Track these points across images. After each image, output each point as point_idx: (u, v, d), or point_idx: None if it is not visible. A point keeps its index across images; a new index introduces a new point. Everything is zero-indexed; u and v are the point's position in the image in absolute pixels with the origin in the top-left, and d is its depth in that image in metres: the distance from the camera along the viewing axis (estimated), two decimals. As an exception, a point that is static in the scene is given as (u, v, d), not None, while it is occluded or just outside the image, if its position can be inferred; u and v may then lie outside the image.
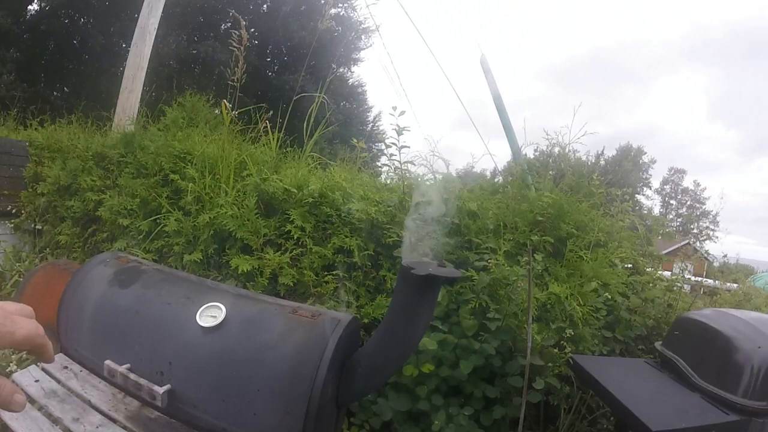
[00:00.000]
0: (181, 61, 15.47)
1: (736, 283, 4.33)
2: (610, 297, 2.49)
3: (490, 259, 2.27)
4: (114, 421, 1.48)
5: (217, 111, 4.29)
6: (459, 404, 2.10)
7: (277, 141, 3.32)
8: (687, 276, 3.37)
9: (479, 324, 2.16)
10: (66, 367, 1.69)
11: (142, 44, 5.34)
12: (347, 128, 15.28)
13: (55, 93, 14.82)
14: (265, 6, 17.35)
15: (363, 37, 18.22)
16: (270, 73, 17.13)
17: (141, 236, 2.86)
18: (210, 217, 2.58)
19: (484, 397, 2.12)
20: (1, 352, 2.43)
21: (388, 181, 3.12)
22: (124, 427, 1.45)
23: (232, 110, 3.12)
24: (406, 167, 2.68)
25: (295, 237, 2.46)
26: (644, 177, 53.30)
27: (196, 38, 15.89)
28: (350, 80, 19.15)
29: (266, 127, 3.30)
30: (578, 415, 2.33)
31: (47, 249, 3.76)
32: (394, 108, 2.41)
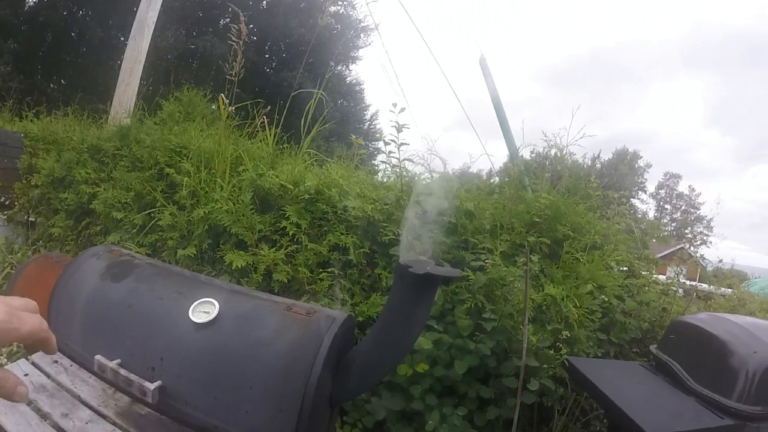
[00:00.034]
0: (179, 55, 15.42)
1: (731, 288, 4.33)
2: (606, 299, 2.49)
3: (487, 259, 2.26)
4: (104, 416, 1.45)
5: (214, 106, 4.27)
6: (453, 404, 2.09)
7: (274, 137, 3.30)
8: (682, 280, 3.37)
9: (475, 324, 2.15)
10: (56, 362, 1.67)
11: (140, 37, 5.31)
12: (344, 126, 15.24)
13: (52, 85, 14.76)
14: (264, 2, 17.30)
15: (362, 35, 18.21)
16: (268, 70, 17.10)
17: (135, 230, 2.83)
18: (205, 212, 2.56)
19: (478, 398, 2.11)
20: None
21: (385, 180, 3.11)
22: (114, 423, 1.42)
23: (229, 105, 3.10)
24: (404, 165, 2.67)
25: (291, 233, 2.44)
26: (640, 181, 53.56)
27: (194, 33, 15.86)
28: (348, 78, 19.14)
29: (263, 122, 3.28)
30: (572, 417, 2.33)
31: (40, 241, 3.73)
32: (395, 104, 2.40)
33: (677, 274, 3.32)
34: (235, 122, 3.37)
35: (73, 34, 14.60)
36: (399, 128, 2.43)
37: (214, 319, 1.41)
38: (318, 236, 2.51)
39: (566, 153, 3.39)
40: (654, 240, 3.84)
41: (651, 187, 59.27)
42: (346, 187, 2.58)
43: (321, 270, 2.39)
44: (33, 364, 1.66)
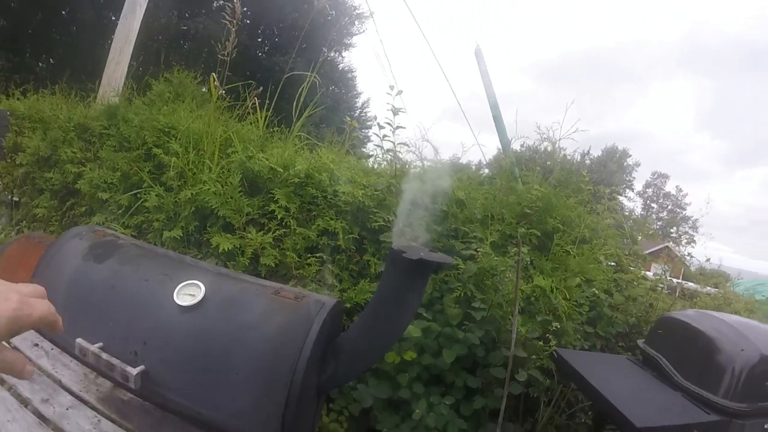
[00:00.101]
0: (170, 36, 15.22)
1: (717, 287, 4.37)
2: (596, 292, 2.49)
3: (478, 248, 2.25)
4: (85, 402, 1.41)
5: (204, 89, 4.19)
6: (440, 393, 2.08)
7: (265, 120, 3.25)
8: (669, 278, 3.39)
9: (464, 313, 2.14)
10: (36, 345, 1.62)
11: (131, 17, 5.21)
12: (335, 113, 15.18)
13: (40, 64, 14.51)
14: (259, -15, 17.08)
15: (356, 22, 18.14)
16: (260, 54, 16.94)
17: (120, 211, 2.77)
18: (192, 194, 2.51)
19: (465, 387, 2.10)
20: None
21: (376, 166, 3.08)
22: (95, 409, 1.38)
23: (220, 86, 3.05)
24: (399, 149, 2.64)
25: (279, 217, 2.40)
26: (628, 179, 53.98)
27: (187, 14, 15.64)
28: (341, 65, 19.05)
29: (254, 103, 3.22)
30: (557, 409, 2.34)
31: (24, 222, 3.65)
32: (392, 87, 2.37)
33: (664, 272, 3.34)
34: (225, 104, 3.31)
35: (63, 12, 14.34)
36: (395, 111, 2.40)
37: (200, 302, 1.37)
38: (307, 221, 2.47)
39: (558, 147, 3.38)
40: (640, 237, 3.86)
41: (638, 186, 59.94)
42: (336, 172, 2.55)
43: (309, 255, 2.36)
44: (15, 348, 1.62)
